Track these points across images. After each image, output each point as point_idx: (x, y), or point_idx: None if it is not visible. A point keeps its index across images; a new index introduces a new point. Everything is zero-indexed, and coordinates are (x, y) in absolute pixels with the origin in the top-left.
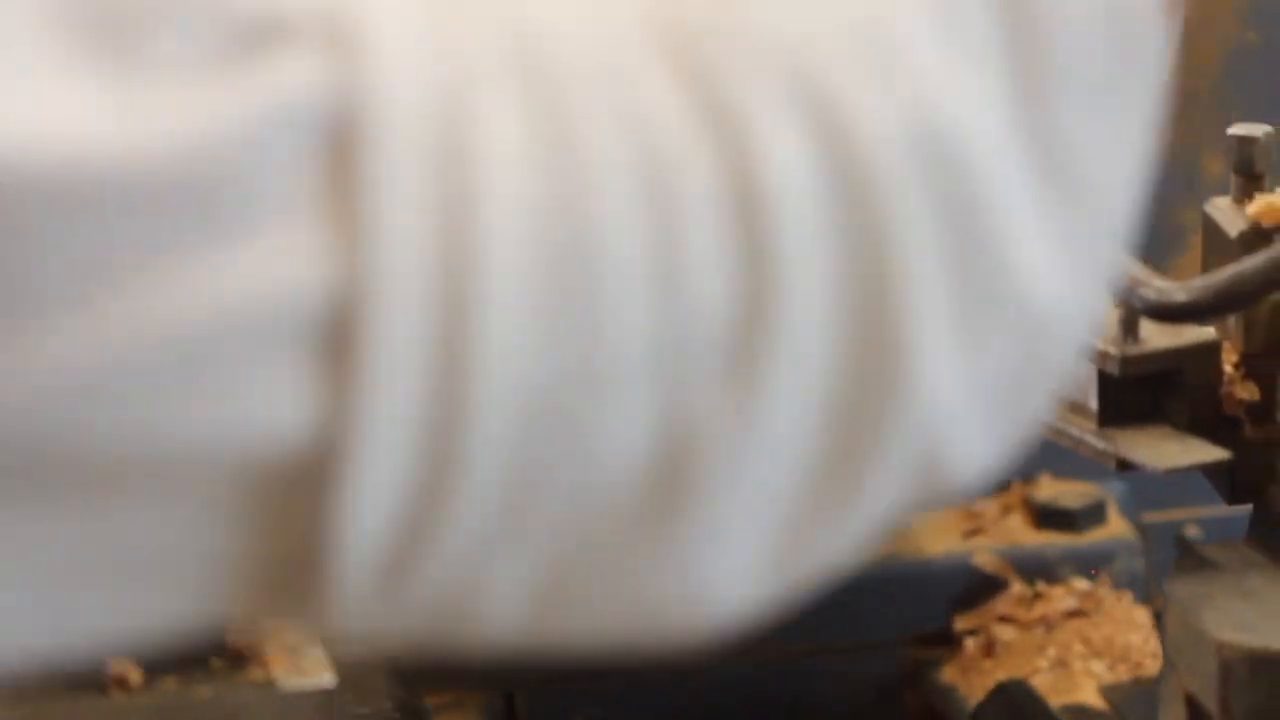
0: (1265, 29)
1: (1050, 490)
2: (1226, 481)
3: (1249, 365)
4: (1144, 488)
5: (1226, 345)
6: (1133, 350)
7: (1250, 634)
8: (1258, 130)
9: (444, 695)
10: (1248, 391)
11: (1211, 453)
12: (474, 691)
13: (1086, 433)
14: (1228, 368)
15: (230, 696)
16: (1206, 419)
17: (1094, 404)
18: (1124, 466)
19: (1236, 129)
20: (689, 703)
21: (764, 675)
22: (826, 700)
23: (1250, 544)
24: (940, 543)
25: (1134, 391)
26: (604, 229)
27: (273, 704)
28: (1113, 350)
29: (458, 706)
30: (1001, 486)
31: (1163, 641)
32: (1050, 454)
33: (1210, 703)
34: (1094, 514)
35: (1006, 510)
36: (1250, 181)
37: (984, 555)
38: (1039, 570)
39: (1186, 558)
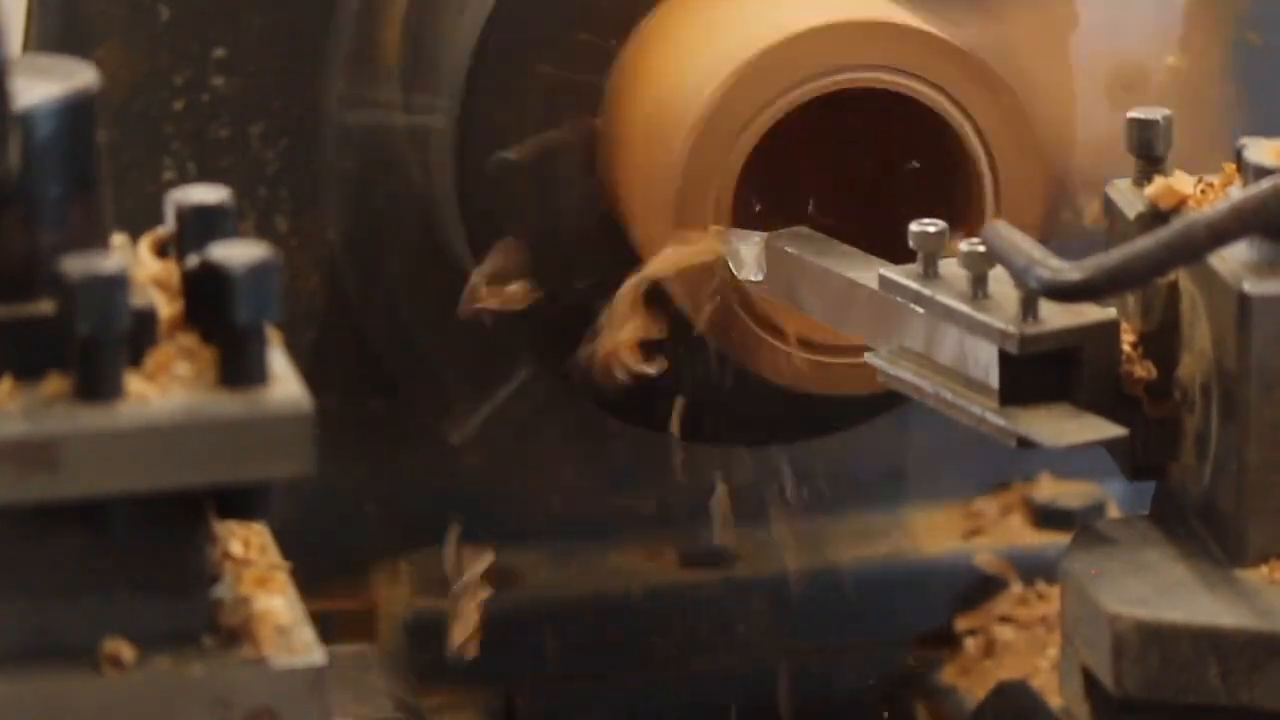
0: (1266, 30)
1: (1050, 490)
2: (1128, 459)
3: (1147, 344)
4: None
5: (1125, 325)
6: (1032, 329)
7: (1143, 607)
8: (1156, 113)
9: (444, 695)
10: (1146, 370)
11: (1109, 430)
12: (474, 691)
13: (988, 411)
14: (1126, 347)
15: (222, 674)
16: (1106, 397)
17: (995, 382)
18: (1024, 444)
19: (1135, 112)
20: (689, 703)
21: (764, 675)
22: (827, 700)
23: (1149, 520)
24: (940, 543)
25: (1035, 370)
26: None
27: (264, 682)
28: (1012, 329)
29: (458, 706)
30: (1001, 486)
31: (1061, 617)
32: (1050, 454)
33: (1104, 675)
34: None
35: (1006, 510)
36: (1150, 164)
37: (984, 555)
38: (1039, 570)
39: (1084, 534)
